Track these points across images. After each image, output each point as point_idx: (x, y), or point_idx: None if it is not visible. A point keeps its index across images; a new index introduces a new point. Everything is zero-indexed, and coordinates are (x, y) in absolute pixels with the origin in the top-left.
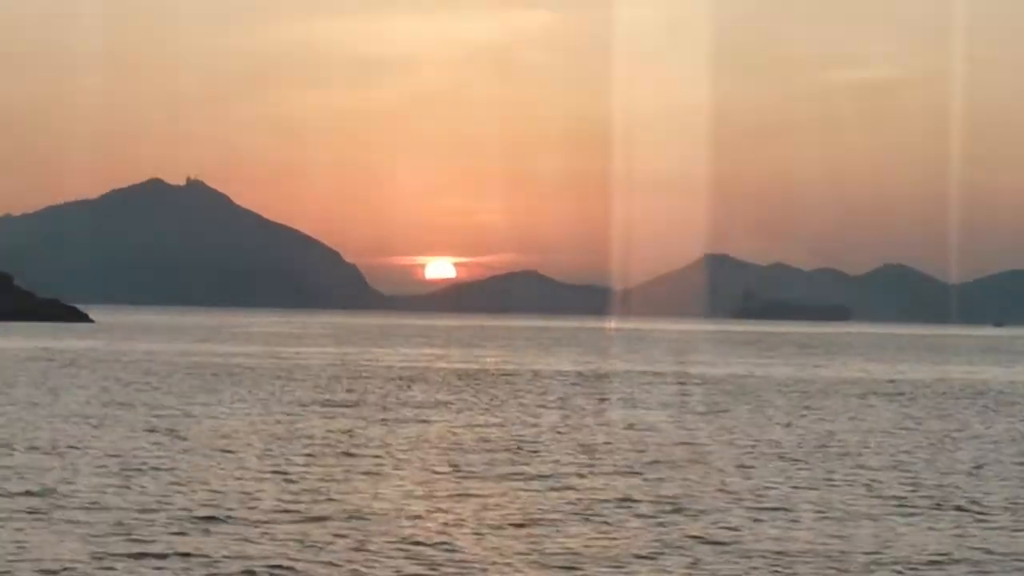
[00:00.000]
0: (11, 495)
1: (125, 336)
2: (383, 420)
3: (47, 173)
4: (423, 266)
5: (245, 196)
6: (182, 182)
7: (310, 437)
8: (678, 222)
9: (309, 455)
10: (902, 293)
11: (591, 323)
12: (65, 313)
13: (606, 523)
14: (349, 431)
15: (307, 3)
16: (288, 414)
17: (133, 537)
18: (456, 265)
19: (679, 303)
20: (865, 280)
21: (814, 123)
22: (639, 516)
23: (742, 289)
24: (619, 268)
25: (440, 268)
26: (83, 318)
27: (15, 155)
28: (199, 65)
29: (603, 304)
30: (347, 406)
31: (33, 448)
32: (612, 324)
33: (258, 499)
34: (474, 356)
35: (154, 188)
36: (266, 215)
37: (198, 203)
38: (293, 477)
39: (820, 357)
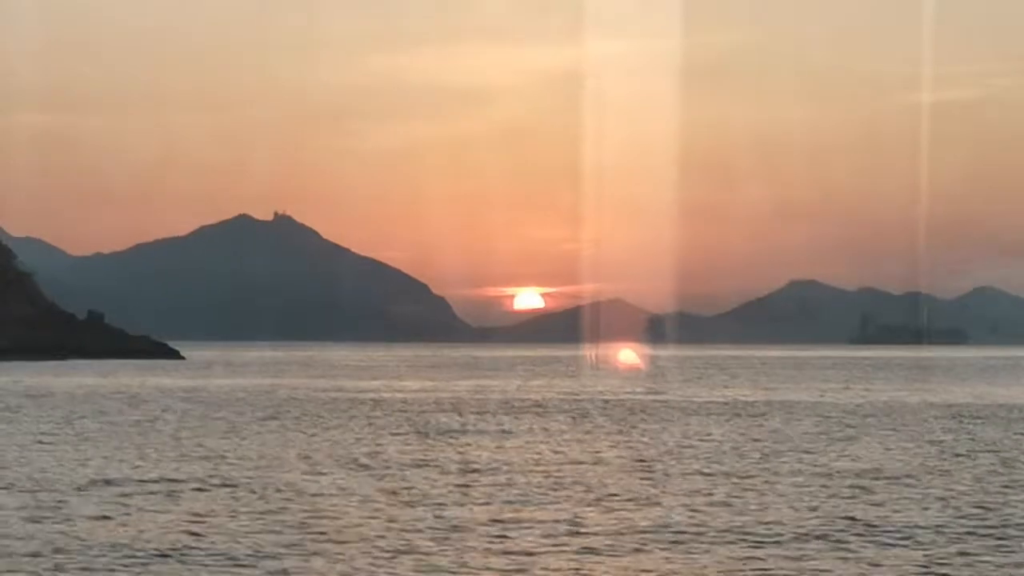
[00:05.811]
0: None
1: (262, 373)
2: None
3: (136, 211)
4: (511, 297)
5: (333, 230)
6: (270, 217)
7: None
8: (761, 249)
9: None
10: (996, 315)
11: (715, 351)
12: (156, 349)
13: None
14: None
15: (390, 35)
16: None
17: None
18: (544, 295)
19: (775, 329)
20: (958, 303)
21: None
22: None
23: (854, 315)
24: (703, 295)
25: (528, 299)
26: (174, 355)
27: (105, 194)
28: (285, 100)
29: (694, 331)
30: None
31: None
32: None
33: None
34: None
35: (243, 224)
36: (355, 249)
37: (287, 238)
38: None
39: None
